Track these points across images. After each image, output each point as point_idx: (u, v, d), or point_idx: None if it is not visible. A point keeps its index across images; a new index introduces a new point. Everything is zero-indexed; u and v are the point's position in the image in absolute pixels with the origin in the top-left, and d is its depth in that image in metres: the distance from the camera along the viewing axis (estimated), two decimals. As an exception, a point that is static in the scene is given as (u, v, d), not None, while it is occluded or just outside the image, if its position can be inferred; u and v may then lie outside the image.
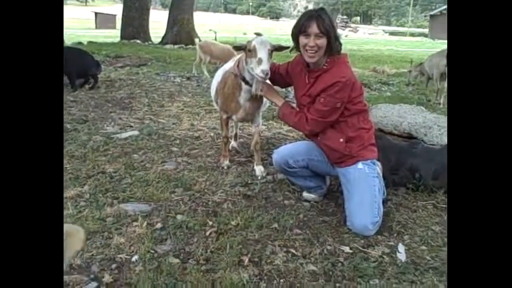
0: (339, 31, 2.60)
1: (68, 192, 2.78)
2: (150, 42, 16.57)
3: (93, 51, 9.21)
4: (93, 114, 4.88)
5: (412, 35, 52.54)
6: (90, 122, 4.53)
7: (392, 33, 54.95)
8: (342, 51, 2.59)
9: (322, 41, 2.44)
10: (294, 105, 2.87)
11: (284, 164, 2.77)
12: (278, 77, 2.90)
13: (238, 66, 2.97)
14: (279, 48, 2.82)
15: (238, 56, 3.08)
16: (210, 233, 2.37)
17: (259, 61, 2.65)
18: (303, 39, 2.49)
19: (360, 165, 2.57)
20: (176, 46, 15.62)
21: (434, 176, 2.95)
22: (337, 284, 1.99)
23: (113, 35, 22.16)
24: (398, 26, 77.51)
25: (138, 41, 15.99)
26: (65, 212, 2.51)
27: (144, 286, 1.89)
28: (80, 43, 14.72)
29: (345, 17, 69.06)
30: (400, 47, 24.37)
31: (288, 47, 2.83)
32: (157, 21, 25.43)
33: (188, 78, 7.89)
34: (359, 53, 16.72)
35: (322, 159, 2.74)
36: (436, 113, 4.31)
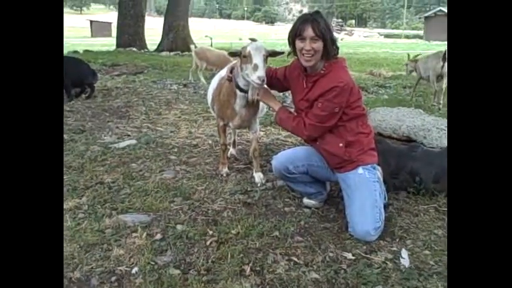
0: (335, 35, 2.58)
1: (66, 204, 2.75)
2: (146, 50, 16.58)
3: (89, 60, 9.21)
4: (90, 124, 4.85)
5: (407, 37, 52.79)
6: (87, 132, 4.50)
7: (387, 36, 55.23)
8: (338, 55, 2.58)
9: (319, 45, 2.42)
10: (292, 109, 2.85)
11: (284, 170, 2.74)
12: (275, 81, 2.89)
13: (231, 71, 2.95)
14: (274, 54, 2.80)
15: (234, 62, 3.06)
16: (211, 243, 2.34)
17: (255, 67, 2.63)
18: (299, 43, 2.47)
19: (360, 170, 2.55)
20: (172, 53, 15.65)
21: (435, 179, 2.94)
22: (341, 292, 1.97)
23: (108, 43, 22.19)
24: (393, 28, 77.81)
25: (134, 49, 15.99)
26: (63, 224, 2.47)
27: (145, 299, 1.87)
28: (75, 52, 14.72)
29: (339, 20, 69.42)
30: (395, 49, 24.41)
31: (283, 52, 2.82)
32: (153, 28, 25.49)
33: (185, 85, 7.88)
34: (355, 56, 16.74)
35: (322, 165, 2.71)
36: (434, 115, 4.30)
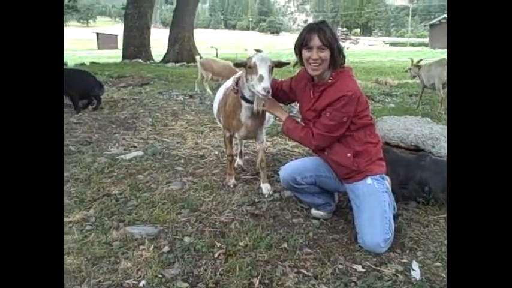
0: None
1: (73, 216, 2.74)
2: (152, 61, 16.71)
3: (96, 72, 9.27)
4: (97, 136, 4.86)
5: (413, 45, 52.81)
6: (94, 144, 4.51)
7: (392, 44, 55.31)
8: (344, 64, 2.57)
9: (325, 54, 2.42)
10: (299, 119, 2.84)
11: (292, 181, 2.72)
12: (281, 94, 2.88)
13: (237, 83, 2.94)
14: (279, 65, 2.80)
15: (240, 73, 3.06)
16: (219, 255, 2.31)
17: (260, 78, 2.62)
18: (305, 53, 2.47)
19: (368, 180, 2.52)
20: (178, 64, 15.75)
21: (444, 188, 2.90)
22: (351, 305, 1.93)
23: (115, 55, 22.37)
24: (398, 36, 78.00)
25: (140, 60, 16.13)
26: (70, 237, 2.46)
27: (153, 313, 1.84)
28: (82, 64, 14.86)
29: (344, 29, 69.75)
30: (401, 57, 24.37)
31: (289, 63, 2.81)
32: (158, 40, 25.71)
33: (191, 96, 7.90)
34: (360, 65, 16.74)
35: (330, 175, 2.69)
36: (442, 123, 4.26)
